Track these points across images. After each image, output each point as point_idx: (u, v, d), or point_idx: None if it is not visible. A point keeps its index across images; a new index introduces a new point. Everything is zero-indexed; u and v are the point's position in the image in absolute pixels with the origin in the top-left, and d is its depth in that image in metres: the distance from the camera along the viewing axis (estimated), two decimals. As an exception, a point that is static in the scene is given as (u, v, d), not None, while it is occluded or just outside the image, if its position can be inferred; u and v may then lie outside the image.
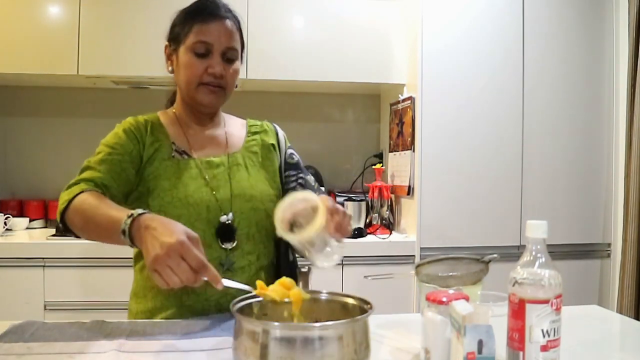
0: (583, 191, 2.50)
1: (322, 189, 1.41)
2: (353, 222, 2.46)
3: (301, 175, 1.32)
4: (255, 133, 1.32)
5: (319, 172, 2.72)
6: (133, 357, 0.85)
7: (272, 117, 1.42)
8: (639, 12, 2.37)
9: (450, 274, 1.00)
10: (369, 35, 2.55)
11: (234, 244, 1.16)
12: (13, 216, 2.45)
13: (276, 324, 0.74)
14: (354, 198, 2.61)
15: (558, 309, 0.74)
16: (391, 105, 2.71)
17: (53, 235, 2.24)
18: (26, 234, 2.42)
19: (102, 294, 2.14)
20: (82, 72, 2.38)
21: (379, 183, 2.58)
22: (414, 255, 2.33)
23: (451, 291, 0.80)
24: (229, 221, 1.16)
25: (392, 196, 2.62)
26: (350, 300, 0.88)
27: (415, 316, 1.19)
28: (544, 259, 0.75)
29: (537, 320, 0.73)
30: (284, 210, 1.01)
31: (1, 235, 2.32)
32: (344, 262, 2.11)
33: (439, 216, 2.37)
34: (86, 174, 1.12)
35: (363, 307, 0.84)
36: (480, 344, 0.68)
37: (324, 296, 0.91)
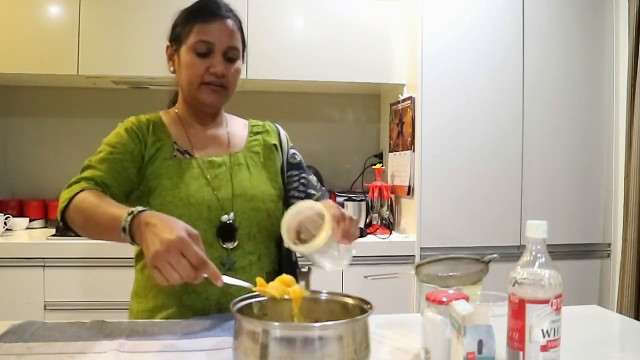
0: (583, 191, 2.50)
1: (324, 188, 1.41)
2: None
3: (303, 175, 1.32)
4: (257, 133, 1.32)
5: (319, 172, 2.72)
6: (133, 357, 0.85)
7: (272, 117, 1.42)
8: (639, 12, 2.37)
9: (450, 274, 1.00)
10: (369, 35, 2.55)
11: (235, 244, 1.16)
12: (13, 216, 2.45)
13: (276, 324, 0.74)
14: (354, 198, 2.61)
15: (558, 309, 0.74)
16: (391, 105, 2.71)
17: (53, 235, 2.24)
18: (26, 234, 2.42)
19: (102, 294, 2.14)
20: (82, 72, 2.38)
21: (379, 183, 2.58)
22: (414, 255, 2.33)
23: (451, 291, 0.80)
24: (230, 221, 1.16)
25: (392, 196, 2.62)
26: (350, 300, 0.88)
27: (415, 316, 1.19)
28: (544, 259, 0.75)
29: (537, 320, 0.73)
30: (289, 220, 1.01)
31: (1, 235, 2.32)
32: (344, 262, 2.11)
33: (439, 216, 2.37)
34: (87, 173, 1.12)
35: (363, 307, 0.84)
36: (480, 344, 0.68)
37: (324, 296, 0.91)
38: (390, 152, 2.72)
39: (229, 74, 1.20)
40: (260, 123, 1.35)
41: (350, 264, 1.07)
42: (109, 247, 2.14)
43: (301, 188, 1.30)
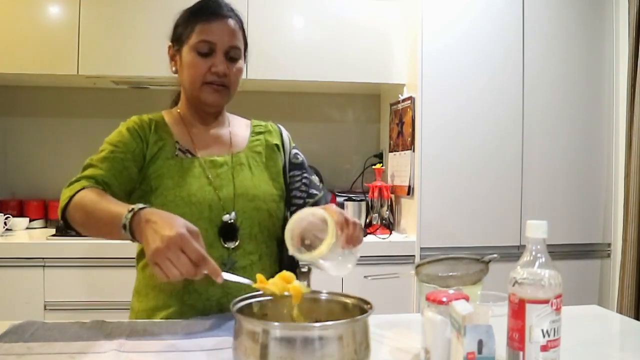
0: (583, 191, 2.50)
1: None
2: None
3: (305, 175, 1.32)
4: (260, 133, 1.32)
5: (319, 172, 2.72)
6: (133, 357, 0.85)
7: (272, 117, 1.42)
8: (639, 12, 2.37)
9: (450, 274, 1.00)
10: (369, 35, 2.55)
11: (237, 244, 1.16)
12: (13, 216, 2.45)
13: (276, 324, 0.74)
14: (354, 198, 2.61)
15: (558, 309, 0.74)
16: (391, 105, 2.71)
17: (53, 235, 2.24)
18: (26, 234, 2.42)
19: (102, 294, 2.14)
20: (82, 72, 2.38)
21: (379, 183, 2.58)
22: (414, 255, 2.33)
23: (451, 291, 0.80)
24: (232, 220, 1.16)
25: (392, 196, 2.62)
26: (350, 300, 0.87)
27: (415, 316, 1.19)
28: (544, 259, 0.75)
29: (537, 320, 0.73)
30: (293, 227, 1.01)
31: (1, 235, 2.32)
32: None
33: (439, 216, 2.37)
34: (88, 172, 1.13)
35: (363, 307, 0.84)
36: (480, 344, 0.68)
37: (324, 296, 0.91)
38: (390, 152, 2.72)
39: (231, 74, 1.20)
40: (263, 123, 1.35)
41: (351, 265, 1.07)
42: (109, 247, 2.14)
43: (303, 188, 1.30)
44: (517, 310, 0.74)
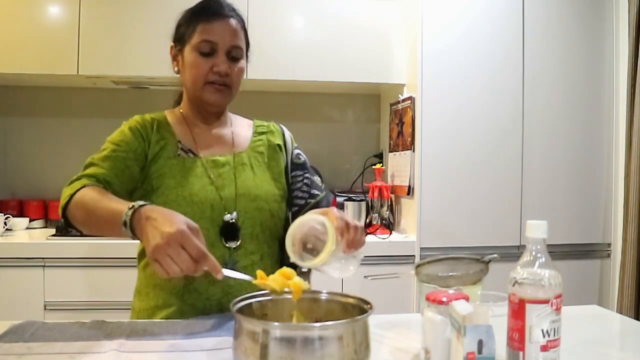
0: (583, 191, 2.50)
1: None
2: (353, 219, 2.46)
3: (307, 175, 1.32)
4: (262, 133, 1.32)
5: (319, 172, 2.71)
6: (133, 357, 0.85)
7: (272, 117, 1.43)
8: (639, 12, 2.37)
9: (450, 274, 1.00)
10: (369, 35, 2.55)
11: (238, 243, 1.16)
12: (13, 216, 2.45)
13: (276, 324, 0.74)
14: (354, 198, 2.61)
15: (558, 309, 0.74)
16: (391, 105, 2.71)
17: (53, 235, 2.24)
18: (26, 234, 2.42)
19: (102, 294, 2.14)
20: (82, 72, 2.38)
21: (379, 183, 2.58)
22: (414, 255, 2.33)
23: (451, 291, 0.80)
24: (233, 220, 1.16)
25: (392, 196, 2.62)
26: (350, 300, 0.87)
27: (415, 316, 1.19)
28: (544, 259, 0.75)
29: (537, 320, 0.73)
30: (294, 232, 1.01)
31: (1, 235, 2.32)
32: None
33: (439, 216, 2.37)
34: (89, 170, 1.13)
35: (363, 307, 0.84)
36: (480, 344, 0.68)
37: (324, 296, 0.91)
38: (390, 152, 2.72)
39: (233, 73, 1.21)
40: (265, 123, 1.36)
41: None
42: (109, 247, 2.14)
43: (304, 188, 1.30)
44: (517, 310, 0.74)
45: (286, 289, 0.88)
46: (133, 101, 2.76)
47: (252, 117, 1.38)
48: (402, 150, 2.54)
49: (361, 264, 1.06)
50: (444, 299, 0.76)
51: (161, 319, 1.14)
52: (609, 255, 2.53)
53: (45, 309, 2.13)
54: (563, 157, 2.48)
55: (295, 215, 1.28)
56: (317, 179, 1.34)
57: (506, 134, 2.42)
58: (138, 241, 1.17)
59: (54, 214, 2.64)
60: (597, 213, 2.53)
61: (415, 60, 2.42)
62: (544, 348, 0.73)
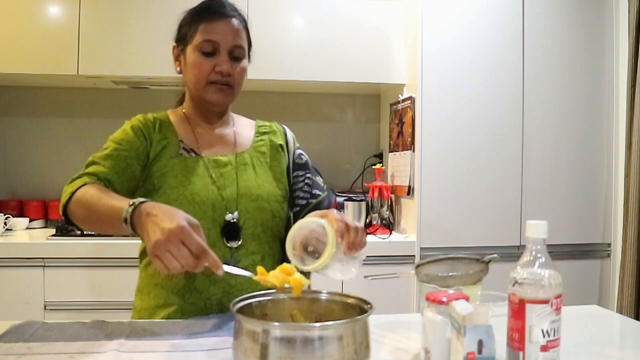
0: (583, 191, 2.50)
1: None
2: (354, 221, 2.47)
3: (309, 175, 1.32)
4: (264, 133, 1.32)
5: (319, 172, 2.72)
6: (133, 357, 0.85)
7: (272, 117, 1.43)
8: (639, 12, 2.37)
9: (450, 274, 1.00)
10: (369, 35, 2.55)
11: (239, 243, 1.16)
12: (13, 216, 2.45)
13: (276, 324, 0.74)
14: (354, 198, 2.61)
15: (558, 309, 0.74)
16: (391, 105, 2.71)
17: (53, 235, 2.24)
18: (26, 234, 2.42)
19: (103, 294, 2.14)
20: (82, 72, 2.38)
21: (379, 183, 2.58)
22: (414, 255, 2.33)
23: (451, 291, 0.80)
24: (234, 220, 1.16)
25: (392, 196, 2.62)
26: (350, 300, 0.87)
27: (415, 316, 1.19)
28: (544, 259, 0.75)
29: (537, 320, 0.73)
30: (294, 235, 1.01)
31: (1, 235, 2.32)
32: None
33: (439, 216, 2.37)
34: (90, 169, 1.14)
35: (363, 307, 0.84)
36: (480, 344, 0.68)
37: (324, 296, 0.91)
38: (390, 152, 2.72)
39: (235, 73, 1.21)
40: (267, 123, 1.36)
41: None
42: (110, 247, 2.14)
43: (306, 188, 1.30)
44: (517, 310, 0.74)
45: (286, 285, 0.88)
46: (133, 101, 2.76)
47: (251, 117, 1.38)
48: (402, 150, 2.54)
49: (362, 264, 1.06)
50: (444, 299, 0.76)
51: (162, 318, 1.14)
52: (609, 255, 2.53)
53: (45, 309, 2.13)
54: (563, 157, 2.48)
55: (296, 216, 1.28)
56: (319, 179, 1.34)
57: (506, 134, 2.42)
58: (139, 241, 1.17)
59: (54, 214, 2.64)
60: (597, 213, 2.53)
61: (415, 60, 2.42)
62: (544, 348, 0.73)
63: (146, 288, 1.20)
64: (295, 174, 1.31)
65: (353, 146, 2.96)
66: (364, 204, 2.57)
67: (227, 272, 0.91)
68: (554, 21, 2.46)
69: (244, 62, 1.24)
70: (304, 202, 1.29)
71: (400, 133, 2.57)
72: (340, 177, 2.90)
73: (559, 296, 0.74)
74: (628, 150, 2.41)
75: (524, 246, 0.78)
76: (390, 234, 2.46)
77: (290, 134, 1.36)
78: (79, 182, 1.09)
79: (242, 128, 1.32)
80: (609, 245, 2.53)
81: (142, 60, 2.38)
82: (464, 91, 2.39)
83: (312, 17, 2.52)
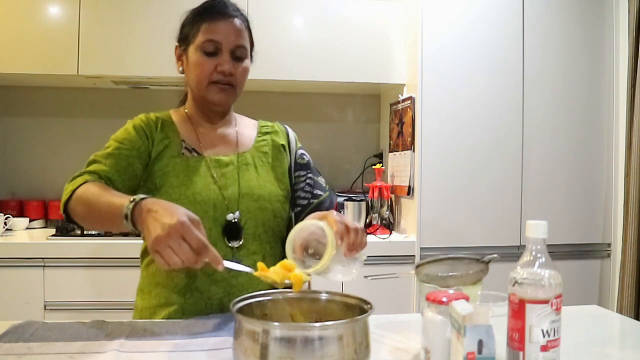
0: (583, 191, 2.50)
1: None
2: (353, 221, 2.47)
3: (310, 175, 1.32)
4: (266, 133, 1.32)
5: (320, 173, 2.72)
6: (133, 357, 0.85)
7: (272, 117, 1.43)
8: (639, 12, 2.37)
9: (450, 274, 1.00)
10: (369, 35, 2.55)
11: (240, 243, 1.17)
12: (13, 216, 2.45)
13: (276, 324, 0.74)
14: (354, 198, 2.61)
15: (558, 309, 0.74)
16: (391, 105, 2.71)
17: (53, 235, 2.24)
18: (26, 234, 2.42)
19: (103, 294, 2.14)
20: (82, 72, 2.38)
21: (379, 183, 2.58)
22: (414, 255, 2.33)
23: (451, 291, 0.80)
24: (236, 220, 1.17)
25: (392, 196, 2.62)
26: (350, 300, 0.87)
27: (415, 316, 1.19)
28: (544, 259, 0.75)
29: (537, 320, 0.73)
30: (293, 239, 1.01)
31: (1, 235, 2.32)
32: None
33: (439, 216, 2.37)
34: (92, 167, 1.14)
35: (363, 307, 0.84)
36: (480, 344, 0.68)
37: (324, 296, 0.91)
38: (390, 152, 2.72)
39: (237, 73, 1.21)
40: (270, 124, 1.36)
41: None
42: (110, 247, 2.14)
43: (307, 188, 1.30)
44: (517, 310, 0.74)
45: (287, 281, 0.88)
46: (133, 101, 2.76)
47: (251, 117, 1.38)
48: (402, 150, 2.54)
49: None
50: (444, 299, 0.76)
51: (163, 317, 1.14)
52: (609, 255, 2.53)
53: (45, 309, 2.13)
54: (563, 157, 2.48)
55: (297, 216, 1.28)
56: (321, 179, 1.35)
57: (506, 134, 2.42)
58: (138, 241, 1.17)
59: (54, 214, 2.64)
60: (597, 213, 2.53)
61: (415, 60, 2.42)
62: (544, 348, 0.73)
63: (147, 287, 1.20)
64: (296, 174, 1.31)
65: (353, 146, 2.96)
66: (364, 204, 2.57)
67: (227, 268, 0.91)
68: (554, 21, 2.46)
69: (246, 62, 1.24)
70: (305, 202, 1.29)
71: (400, 133, 2.57)
72: (340, 177, 2.90)
73: (559, 296, 0.74)
74: (628, 150, 2.41)
75: (524, 246, 0.78)
76: (390, 234, 2.46)
77: (292, 134, 1.36)
78: (79, 180, 1.09)
79: (245, 128, 1.32)
80: (609, 245, 2.53)
81: (142, 60, 2.38)
82: (464, 91, 2.39)
83: (312, 17, 2.52)
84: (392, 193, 2.62)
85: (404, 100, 2.52)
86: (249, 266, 1.16)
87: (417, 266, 1.04)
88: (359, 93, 2.95)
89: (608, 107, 2.52)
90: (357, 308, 0.85)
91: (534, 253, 0.76)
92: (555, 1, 2.46)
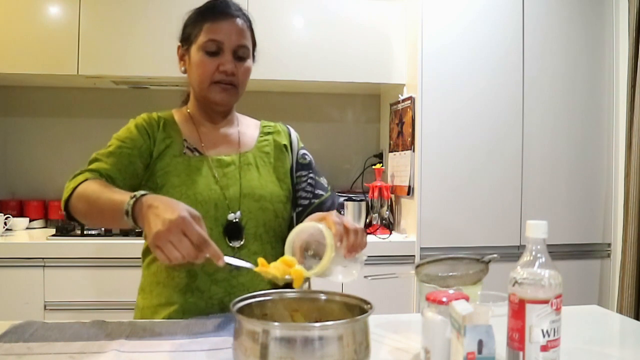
0: (583, 191, 2.50)
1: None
2: (353, 222, 2.46)
3: (311, 175, 1.32)
4: (268, 133, 1.32)
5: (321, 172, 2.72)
6: (133, 357, 0.85)
7: (272, 117, 1.43)
8: (639, 12, 2.37)
9: (450, 274, 1.00)
10: (369, 35, 2.55)
11: (242, 243, 1.17)
12: (13, 216, 2.45)
13: (276, 324, 0.74)
14: (354, 198, 2.61)
15: (558, 309, 0.74)
16: (391, 105, 2.71)
17: (53, 235, 2.24)
18: (26, 234, 2.42)
19: (103, 294, 2.14)
20: (82, 72, 2.38)
21: (379, 183, 2.58)
22: (414, 255, 2.33)
23: (451, 291, 0.80)
24: (237, 219, 1.17)
25: (392, 196, 2.62)
26: (350, 300, 0.87)
27: (415, 316, 1.19)
28: (544, 259, 0.75)
29: (537, 320, 0.73)
30: (293, 241, 1.01)
31: (1, 235, 2.32)
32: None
33: (439, 216, 2.37)
34: (93, 165, 1.14)
35: (363, 307, 0.84)
36: (480, 344, 0.68)
37: (324, 296, 0.91)
38: (390, 152, 2.72)
39: (239, 73, 1.21)
40: (272, 124, 1.36)
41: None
42: (110, 247, 2.14)
43: (308, 188, 1.30)
44: (517, 310, 0.74)
45: (287, 276, 0.88)
46: (133, 101, 2.76)
47: (251, 117, 1.38)
48: (402, 150, 2.54)
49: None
50: (444, 299, 0.76)
51: (163, 317, 1.14)
52: (609, 255, 2.53)
53: (45, 309, 2.13)
54: (563, 157, 2.48)
55: (299, 216, 1.28)
56: (322, 179, 1.35)
57: (506, 134, 2.42)
58: (139, 241, 1.17)
59: (54, 214, 2.64)
60: (597, 213, 2.53)
61: (415, 60, 2.42)
62: (544, 348, 0.73)
63: (148, 287, 1.20)
64: (298, 174, 1.31)
65: (353, 146, 2.96)
66: (364, 204, 2.57)
67: (228, 264, 0.91)
68: (554, 21, 2.46)
69: (248, 62, 1.24)
70: (306, 202, 1.29)
71: (400, 133, 2.57)
72: (340, 177, 2.90)
73: (559, 296, 0.74)
74: (628, 150, 2.41)
75: (524, 246, 0.78)
76: (390, 234, 2.46)
77: (294, 134, 1.36)
78: (80, 178, 1.10)
79: (247, 128, 1.32)
80: (609, 245, 2.53)
81: (142, 60, 2.38)
82: (464, 91, 2.39)
83: (312, 17, 2.52)
84: (392, 193, 2.62)
85: (404, 100, 2.52)
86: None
87: (417, 266, 1.04)
88: (359, 93, 2.95)
89: (608, 107, 2.52)
90: (357, 308, 0.85)
91: (534, 253, 0.76)
92: (555, 1, 2.46)
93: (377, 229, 2.48)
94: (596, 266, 2.53)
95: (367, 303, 0.84)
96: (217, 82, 1.20)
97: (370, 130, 2.98)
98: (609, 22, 2.51)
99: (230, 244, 1.16)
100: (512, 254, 2.36)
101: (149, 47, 2.36)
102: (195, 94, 1.27)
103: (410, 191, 2.42)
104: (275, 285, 1.16)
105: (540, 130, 2.45)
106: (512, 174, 2.42)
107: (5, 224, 2.36)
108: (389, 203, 2.59)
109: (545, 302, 0.73)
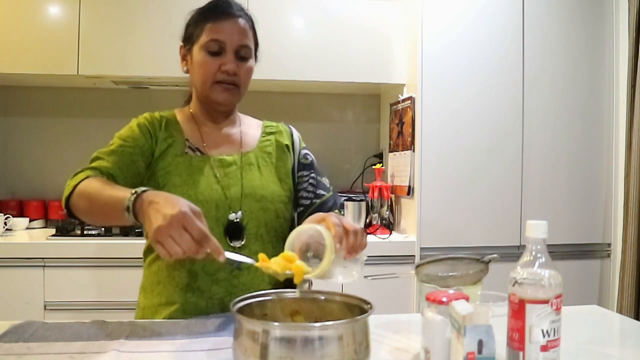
0: (583, 191, 2.50)
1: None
2: (353, 222, 2.46)
3: (313, 175, 1.32)
4: (271, 133, 1.33)
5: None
6: (133, 357, 0.85)
7: (272, 117, 1.43)
8: (639, 12, 2.37)
9: (450, 274, 1.00)
10: (369, 35, 2.55)
11: (243, 243, 1.17)
12: (13, 216, 2.45)
13: (276, 324, 0.74)
14: (354, 198, 2.61)
15: (558, 309, 0.74)
16: (391, 105, 2.71)
17: (53, 235, 2.24)
18: (26, 234, 2.42)
19: (102, 294, 2.14)
20: (82, 72, 2.38)
21: (379, 183, 2.58)
22: (414, 255, 2.33)
23: (451, 291, 0.80)
24: (238, 219, 1.17)
25: (392, 196, 2.62)
26: (350, 300, 0.87)
27: (415, 316, 1.19)
28: (544, 259, 0.75)
29: (537, 320, 0.73)
30: (292, 242, 1.01)
31: (1, 235, 2.32)
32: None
33: (439, 216, 2.37)
34: (94, 164, 1.14)
35: (363, 307, 0.84)
36: (480, 344, 0.68)
37: (324, 296, 0.91)
38: (390, 152, 2.72)
39: (241, 73, 1.21)
40: (274, 124, 1.36)
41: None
42: (110, 247, 2.14)
43: (310, 188, 1.30)
44: (517, 310, 0.74)
45: (287, 272, 0.88)
46: (133, 101, 2.76)
47: (252, 117, 1.38)
48: (402, 150, 2.54)
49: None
50: (444, 299, 0.76)
51: (164, 316, 1.14)
52: (609, 255, 2.53)
53: (45, 309, 2.13)
54: (563, 157, 2.48)
55: (300, 215, 1.28)
56: (324, 179, 1.35)
57: (506, 134, 2.42)
58: (139, 241, 1.17)
59: (54, 214, 2.64)
60: (597, 213, 2.53)
61: (415, 60, 2.42)
62: (544, 348, 0.73)
63: (149, 286, 1.20)
64: (300, 174, 1.31)
65: (353, 146, 2.96)
66: (364, 204, 2.57)
67: (228, 260, 0.91)
68: (554, 21, 2.46)
69: (251, 61, 1.24)
70: (307, 202, 1.29)
71: (400, 133, 2.57)
72: (340, 177, 2.90)
73: (559, 296, 0.74)
74: (628, 150, 2.41)
75: (524, 246, 0.78)
76: (390, 234, 2.46)
77: (296, 134, 1.36)
78: (81, 176, 1.10)
79: (249, 128, 1.32)
80: (609, 245, 2.53)
81: (142, 60, 2.38)
82: (464, 91, 2.39)
83: (312, 17, 2.52)
84: (392, 193, 2.62)
85: (404, 100, 2.52)
86: (251, 266, 1.16)
87: (417, 266, 1.04)
88: (359, 93, 2.95)
89: (608, 107, 2.52)
90: (357, 308, 0.85)
91: (534, 253, 0.76)
92: (555, 1, 2.46)
93: (377, 229, 2.48)
94: (596, 266, 2.53)
95: (367, 303, 0.84)
96: (219, 82, 1.20)
97: (370, 130, 2.98)
98: (609, 22, 2.51)
99: (231, 244, 1.16)
100: (512, 254, 2.36)
101: (149, 47, 2.36)
102: (197, 94, 1.27)
103: (410, 191, 2.42)
104: (277, 283, 1.17)
105: (540, 130, 2.45)
106: (512, 174, 2.42)
107: (5, 224, 2.36)
108: (389, 203, 2.59)
109: (545, 302, 0.73)
